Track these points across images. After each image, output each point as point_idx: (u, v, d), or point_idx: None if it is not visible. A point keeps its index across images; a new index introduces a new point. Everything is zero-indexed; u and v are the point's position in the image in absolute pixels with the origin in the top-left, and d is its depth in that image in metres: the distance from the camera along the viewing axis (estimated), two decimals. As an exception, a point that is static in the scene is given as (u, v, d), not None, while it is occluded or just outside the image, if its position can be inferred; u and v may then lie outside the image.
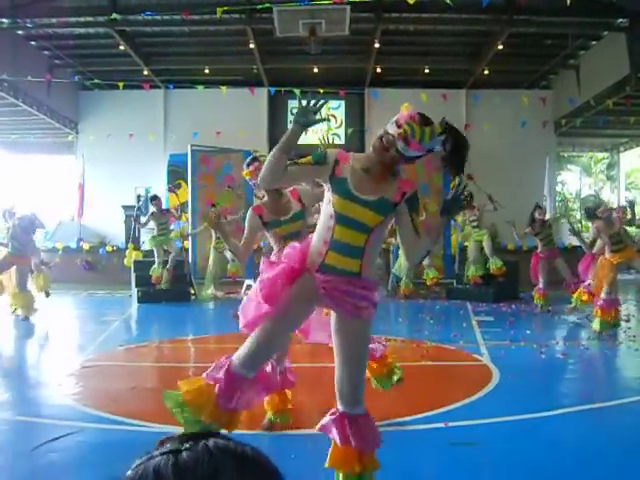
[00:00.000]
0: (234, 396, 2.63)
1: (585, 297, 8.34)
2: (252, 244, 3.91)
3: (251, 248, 3.92)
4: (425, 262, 11.40)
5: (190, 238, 12.19)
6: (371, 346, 3.87)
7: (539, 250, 9.64)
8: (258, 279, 2.72)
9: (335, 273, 2.58)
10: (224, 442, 0.73)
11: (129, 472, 0.72)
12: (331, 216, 2.59)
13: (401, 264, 11.39)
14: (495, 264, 10.88)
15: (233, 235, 4.06)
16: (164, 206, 12.16)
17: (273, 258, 2.90)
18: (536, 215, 9.53)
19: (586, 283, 8.35)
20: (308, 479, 3.08)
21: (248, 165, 4.07)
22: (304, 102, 2.58)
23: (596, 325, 7.53)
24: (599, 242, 8.09)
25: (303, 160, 2.63)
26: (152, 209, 11.07)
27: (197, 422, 2.63)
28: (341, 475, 2.59)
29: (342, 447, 2.57)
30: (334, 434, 2.59)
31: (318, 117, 2.59)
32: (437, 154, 2.69)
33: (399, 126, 2.55)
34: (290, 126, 2.60)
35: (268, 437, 3.79)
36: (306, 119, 2.55)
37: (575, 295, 8.66)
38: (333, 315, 2.69)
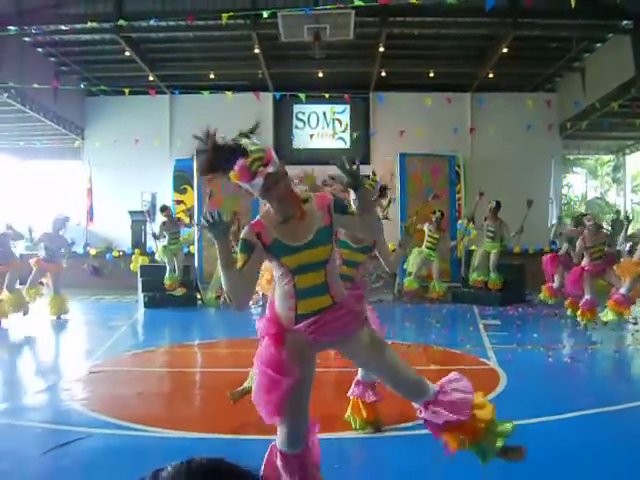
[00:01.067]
0: (296, 474, 2.61)
1: (588, 315, 8.18)
2: (252, 277, 2.69)
3: (250, 282, 2.70)
4: (435, 273, 11.34)
5: (196, 243, 12.22)
6: (365, 389, 3.99)
7: (560, 253, 9.73)
8: (256, 362, 2.68)
9: (311, 316, 2.61)
10: (204, 461, 0.77)
11: None
12: (285, 274, 2.62)
13: (412, 260, 11.23)
14: (495, 280, 10.88)
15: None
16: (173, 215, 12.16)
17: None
18: (586, 223, 9.11)
19: (585, 299, 8.27)
20: None
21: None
22: (204, 222, 2.56)
23: (605, 316, 7.60)
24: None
25: (240, 264, 2.60)
26: (163, 219, 11.09)
27: None
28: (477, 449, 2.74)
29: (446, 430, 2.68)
30: (433, 429, 2.69)
31: (226, 223, 2.58)
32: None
33: (251, 173, 2.53)
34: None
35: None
36: (218, 231, 2.55)
37: (580, 313, 8.48)
38: (339, 349, 2.75)
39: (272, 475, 2.61)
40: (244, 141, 2.65)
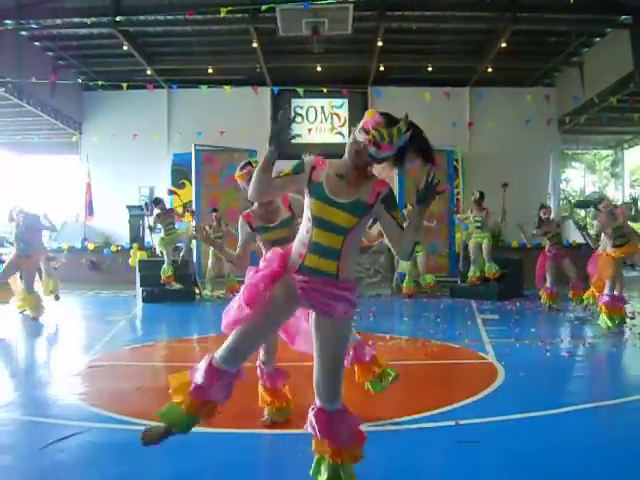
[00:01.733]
0: (211, 388, 2.74)
1: (593, 295, 8.28)
2: (247, 251, 3.93)
3: (247, 255, 3.92)
4: (421, 267, 11.42)
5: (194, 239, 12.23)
6: (361, 350, 4.13)
7: (547, 249, 9.61)
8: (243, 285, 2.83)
9: (313, 274, 2.69)
10: None
11: None
12: (309, 219, 2.72)
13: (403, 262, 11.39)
14: (490, 269, 10.92)
15: (229, 244, 4.19)
16: (168, 206, 12.17)
17: (262, 263, 2.94)
18: (541, 215, 9.54)
19: (594, 280, 8.29)
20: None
21: (241, 168, 4.14)
22: (277, 121, 2.72)
23: (602, 323, 7.52)
24: (603, 238, 8.07)
25: (285, 171, 2.76)
26: (156, 211, 11.12)
27: (177, 412, 2.80)
28: (322, 464, 2.73)
29: (321, 439, 2.72)
30: (313, 428, 2.73)
31: (289, 136, 2.73)
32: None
33: (367, 132, 2.63)
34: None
35: (275, 436, 3.81)
36: (279, 139, 2.70)
37: (585, 295, 8.54)
38: (312, 315, 2.78)
39: (206, 385, 2.74)
40: (396, 127, 2.65)
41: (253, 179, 2.75)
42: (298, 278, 2.71)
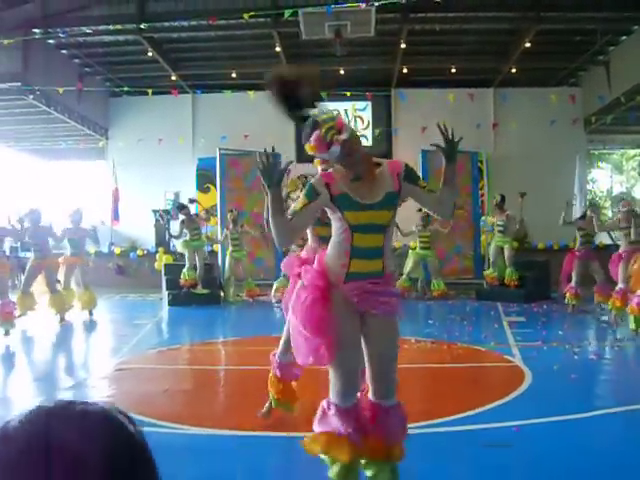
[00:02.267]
0: (354, 428, 2.65)
1: (618, 303, 8.05)
2: (301, 226, 2.80)
3: (297, 231, 2.81)
4: (433, 272, 11.41)
5: (220, 242, 12.30)
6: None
7: (576, 247, 9.53)
8: (292, 301, 2.76)
9: (362, 278, 2.68)
10: (60, 405, 0.76)
11: None
12: (345, 230, 2.67)
13: (407, 265, 11.41)
14: (511, 275, 10.85)
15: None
16: (192, 212, 12.24)
17: (303, 275, 2.81)
18: (588, 213, 9.48)
19: (618, 287, 8.16)
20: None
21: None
22: (260, 166, 2.61)
23: (632, 324, 7.39)
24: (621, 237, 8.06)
25: (299, 205, 2.67)
26: (182, 217, 11.17)
27: (344, 468, 2.66)
28: (335, 466, 2.68)
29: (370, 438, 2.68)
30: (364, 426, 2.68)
31: (281, 169, 2.64)
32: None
33: (327, 142, 2.59)
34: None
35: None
36: (273, 178, 2.60)
37: (610, 302, 8.41)
38: (366, 318, 2.74)
39: (326, 426, 2.68)
40: (313, 111, 2.67)
41: (273, 228, 2.65)
42: (348, 288, 2.66)
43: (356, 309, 2.70)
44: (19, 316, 8.66)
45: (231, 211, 11.57)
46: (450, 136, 2.72)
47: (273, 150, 2.69)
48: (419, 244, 11.47)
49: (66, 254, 9.76)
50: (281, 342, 3.98)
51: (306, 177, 3.89)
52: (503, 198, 10.91)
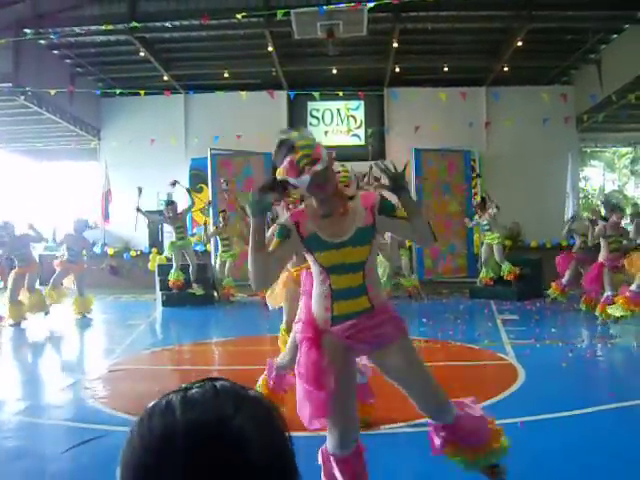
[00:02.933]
0: (349, 476, 2.59)
1: (606, 309, 8.05)
2: (279, 264, 2.68)
3: (275, 269, 2.65)
4: (405, 270, 11.41)
5: (212, 241, 12.28)
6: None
7: (574, 250, 9.62)
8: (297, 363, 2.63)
9: (349, 319, 2.55)
10: (230, 384, 0.81)
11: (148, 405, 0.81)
12: (321, 272, 2.56)
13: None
14: (507, 269, 10.88)
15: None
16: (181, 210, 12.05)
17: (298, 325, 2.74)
18: (587, 224, 9.47)
19: (605, 295, 8.17)
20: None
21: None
22: (250, 198, 2.46)
23: (613, 309, 7.45)
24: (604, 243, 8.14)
25: (274, 246, 2.54)
26: (166, 214, 11.04)
27: None
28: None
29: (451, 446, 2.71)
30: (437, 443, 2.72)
31: (270, 200, 2.50)
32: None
33: (300, 169, 2.41)
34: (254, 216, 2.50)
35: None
36: (260, 207, 2.45)
37: (599, 309, 8.41)
38: (372, 358, 2.71)
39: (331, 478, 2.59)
40: (294, 134, 2.48)
41: (250, 266, 2.49)
42: (337, 330, 2.55)
43: (350, 352, 2.61)
44: (11, 325, 8.92)
45: (223, 211, 11.56)
46: (392, 171, 2.59)
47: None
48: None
49: (63, 259, 9.77)
50: (285, 352, 3.95)
51: (377, 179, 3.82)
52: (483, 199, 11.06)
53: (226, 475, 0.71)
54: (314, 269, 2.61)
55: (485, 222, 11.08)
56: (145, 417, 0.78)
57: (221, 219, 11.43)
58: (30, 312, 9.27)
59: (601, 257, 8.27)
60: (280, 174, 2.46)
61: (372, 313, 2.57)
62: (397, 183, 2.57)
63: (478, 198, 11.08)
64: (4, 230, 9.04)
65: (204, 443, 0.72)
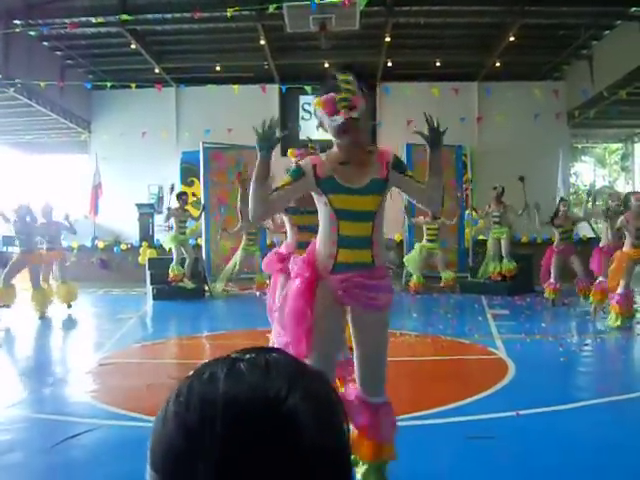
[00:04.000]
0: None
1: (599, 296, 8.14)
2: (280, 202, 2.79)
3: (274, 206, 2.78)
4: (440, 264, 11.42)
5: (203, 235, 12.23)
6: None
7: (555, 244, 9.55)
8: (281, 296, 2.74)
9: (350, 269, 2.63)
10: (285, 357, 0.72)
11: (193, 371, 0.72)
12: (331, 216, 2.64)
13: (414, 258, 11.41)
14: (507, 265, 10.88)
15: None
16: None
17: (292, 268, 2.80)
18: (561, 208, 9.48)
19: (598, 280, 8.22)
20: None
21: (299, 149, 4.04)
22: (259, 129, 2.64)
23: (612, 321, 7.40)
24: (608, 233, 8.09)
25: (284, 181, 2.67)
26: (175, 205, 11.00)
27: None
28: (364, 466, 2.69)
29: (359, 436, 2.66)
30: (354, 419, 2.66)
31: (278, 136, 2.69)
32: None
33: (336, 110, 2.56)
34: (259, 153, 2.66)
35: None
36: (268, 142, 2.63)
37: (591, 295, 8.47)
38: (351, 312, 2.74)
39: None
40: (342, 77, 2.60)
41: (251, 195, 2.62)
42: (335, 279, 2.63)
43: (340, 304, 2.68)
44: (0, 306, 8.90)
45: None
46: (435, 124, 2.74)
47: None
48: (426, 236, 11.43)
49: (43, 249, 9.69)
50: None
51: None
52: (503, 189, 10.93)
53: (270, 467, 0.62)
54: (323, 214, 2.69)
55: (497, 213, 10.99)
56: (184, 390, 0.69)
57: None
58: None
59: (626, 246, 7.94)
60: (316, 105, 2.62)
61: (371, 270, 2.66)
62: (436, 136, 2.74)
63: (499, 188, 10.92)
64: (17, 212, 9.07)
65: (247, 429, 0.63)
